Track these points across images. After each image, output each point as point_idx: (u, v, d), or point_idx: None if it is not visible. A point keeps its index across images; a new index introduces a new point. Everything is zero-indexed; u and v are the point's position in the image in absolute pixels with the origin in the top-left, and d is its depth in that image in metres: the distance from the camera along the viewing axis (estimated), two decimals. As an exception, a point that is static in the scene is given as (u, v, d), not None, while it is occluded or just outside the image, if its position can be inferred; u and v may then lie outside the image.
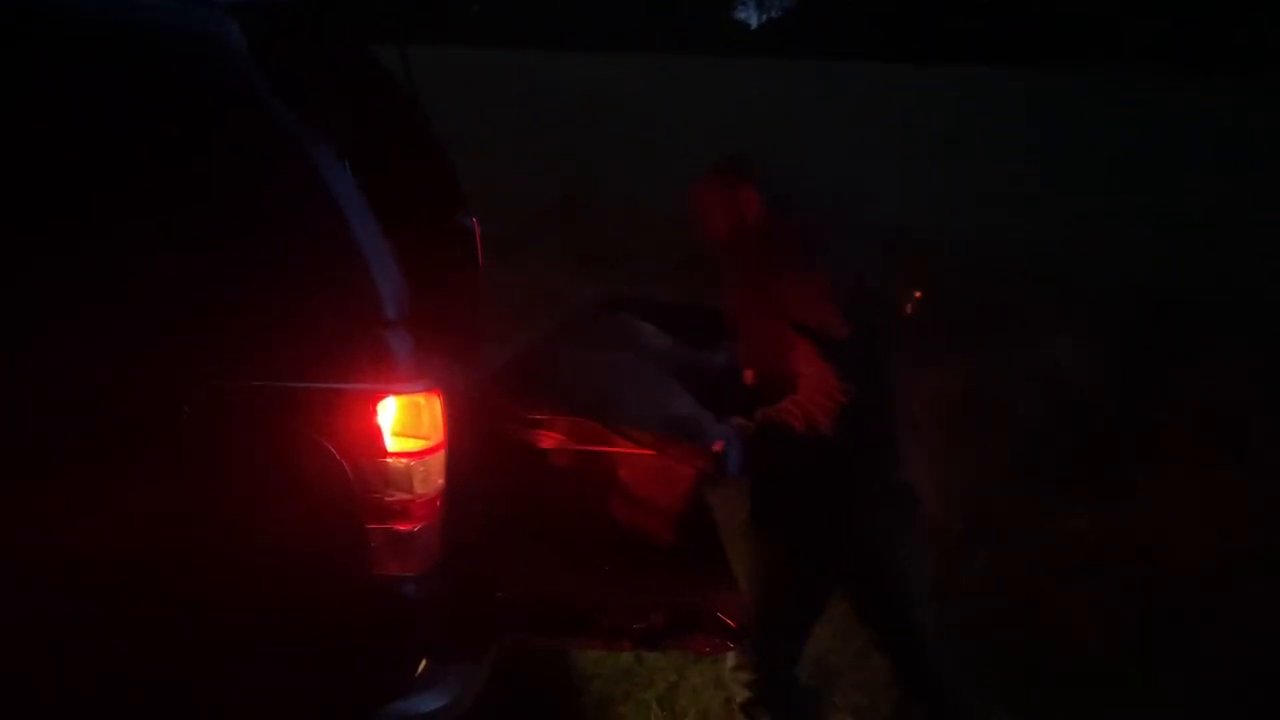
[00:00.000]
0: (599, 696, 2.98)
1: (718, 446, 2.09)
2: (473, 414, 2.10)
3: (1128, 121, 16.41)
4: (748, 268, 2.35)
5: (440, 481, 1.94)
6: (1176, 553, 3.66)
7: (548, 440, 2.23)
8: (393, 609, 1.97)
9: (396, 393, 1.88)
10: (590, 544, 2.24)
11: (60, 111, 1.91)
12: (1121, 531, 3.81)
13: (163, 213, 1.90)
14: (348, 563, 1.92)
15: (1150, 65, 27.92)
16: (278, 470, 1.88)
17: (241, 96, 1.91)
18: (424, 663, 2.05)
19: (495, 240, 3.01)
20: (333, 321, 1.89)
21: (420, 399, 1.90)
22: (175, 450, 1.88)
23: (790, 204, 2.36)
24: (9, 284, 1.87)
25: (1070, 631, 3.30)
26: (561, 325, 2.84)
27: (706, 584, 2.22)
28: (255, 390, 1.86)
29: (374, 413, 1.86)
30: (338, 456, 1.85)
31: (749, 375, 2.34)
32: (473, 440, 2.08)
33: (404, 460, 1.89)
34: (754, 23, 51.41)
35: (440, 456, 1.94)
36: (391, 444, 1.88)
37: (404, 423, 1.89)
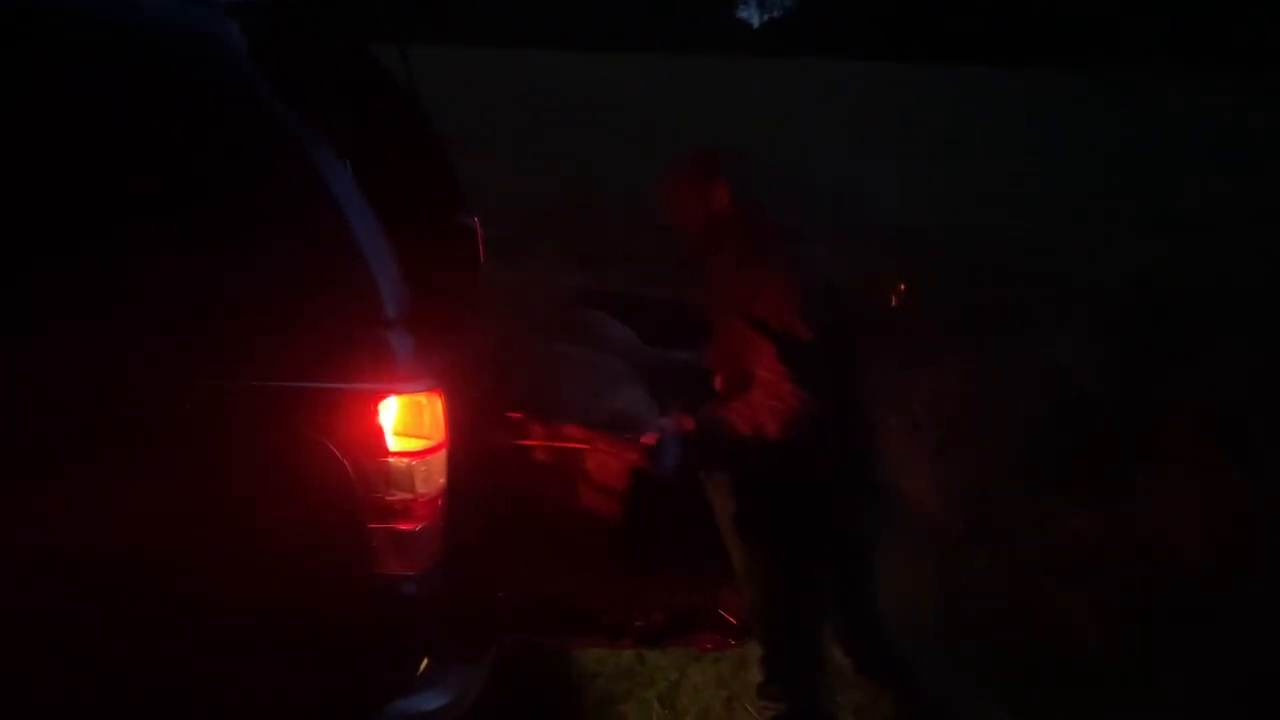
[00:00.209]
0: (600, 695, 2.98)
1: (647, 440, 2.07)
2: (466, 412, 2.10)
3: (1128, 121, 16.38)
4: (715, 266, 2.30)
5: (442, 481, 1.94)
6: (1176, 553, 3.66)
7: (526, 437, 2.22)
8: (394, 608, 1.97)
9: (398, 392, 1.88)
10: (587, 541, 2.24)
11: (60, 111, 1.91)
12: (1121, 531, 3.81)
13: (163, 213, 1.90)
14: (349, 562, 1.92)
15: (1150, 65, 27.90)
16: (279, 470, 1.88)
17: (241, 96, 1.91)
18: (425, 662, 2.05)
19: (495, 240, 3.01)
20: (334, 321, 1.89)
21: (422, 398, 1.91)
22: (176, 450, 1.88)
23: (761, 202, 2.32)
24: (9, 284, 1.87)
25: (1070, 631, 3.30)
26: (531, 320, 2.84)
27: (707, 582, 2.23)
28: (257, 390, 1.86)
29: (375, 412, 1.87)
30: (339, 456, 1.85)
31: (718, 379, 2.29)
32: (469, 439, 2.08)
33: (405, 460, 1.89)
34: (756, 22, 51.40)
35: (442, 456, 1.94)
36: (393, 443, 1.88)
37: (405, 422, 1.89)
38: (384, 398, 1.87)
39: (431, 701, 2.03)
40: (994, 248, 7.50)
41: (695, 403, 2.18)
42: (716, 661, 3.06)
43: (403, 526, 1.91)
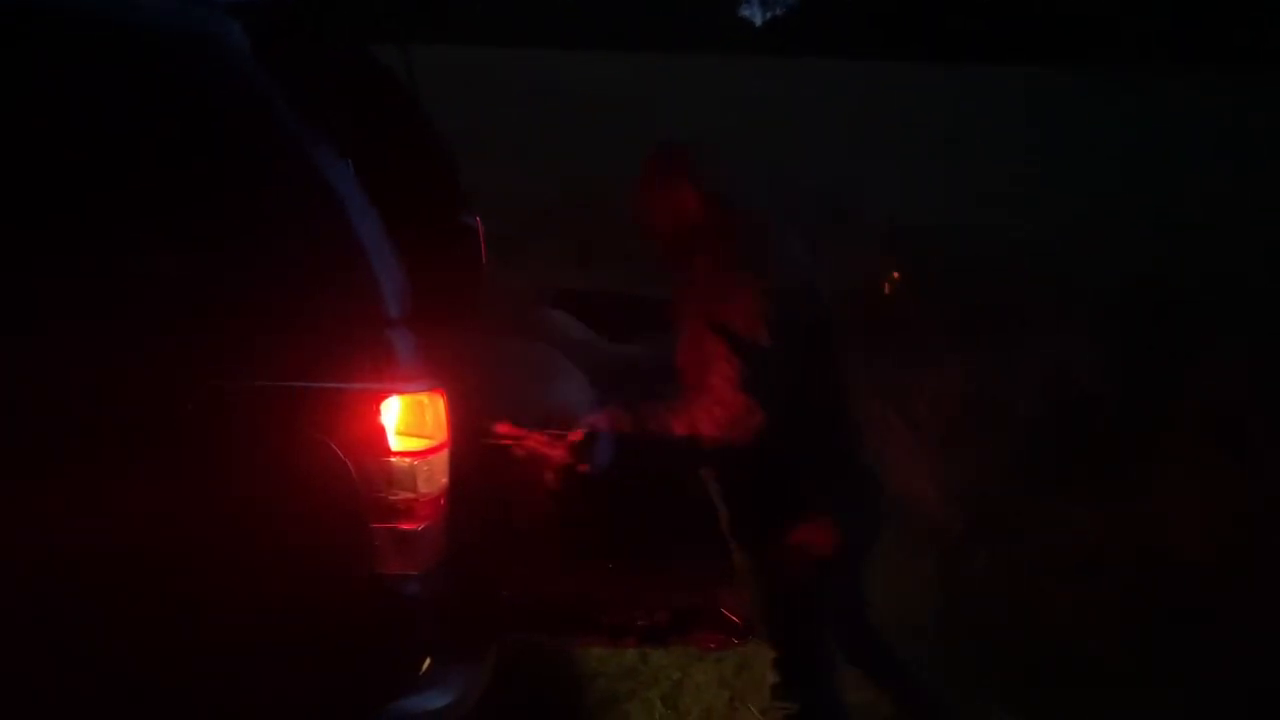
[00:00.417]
0: (603, 694, 2.98)
1: (574, 436, 2.06)
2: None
3: (1128, 120, 16.39)
4: (682, 266, 2.25)
5: (444, 480, 1.94)
6: (1176, 553, 3.66)
7: (501, 434, 2.20)
8: (396, 608, 1.97)
9: (400, 392, 1.88)
10: (583, 539, 2.23)
11: (60, 111, 1.90)
12: (1121, 531, 3.82)
13: (163, 213, 1.90)
14: (351, 562, 1.92)
15: (1150, 65, 27.89)
16: (281, 470, 1.88)
17: (242, 96, 1.91)
18: (427, 661, 2.05)
19: (496, 240, 3.01)
20: (335, 321, 1.89)
21: (424, 398, 1.91)
22: (178, 450, 1.87)
23: (733, 201, 2.24)
24: (9, 284, 1.87)
25: (1070, 631, 3.31)
26: (498, 318, 2.82)
27: (709, 581, 2.22)
28: (258, 390, 1.86)
29: (377, 412, 1.87)
30: (341, 456, 1.85)
31: (684, 379, 2.22)
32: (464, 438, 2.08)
33: (408, 459, 1.89)
34: (757, 21, 51.37)
35: (444, 456, 1.94)
36: (395, 443, 1.88)
37: (407, 422, 1.89)
38: (386, 397, 1.87)
39: (433, 701, 2.02)
40: (994, 247, 7.50)
41: (638, 399, 2.14)
42: (719, 661, 3.07)
43: (405, 526, 1.90)
